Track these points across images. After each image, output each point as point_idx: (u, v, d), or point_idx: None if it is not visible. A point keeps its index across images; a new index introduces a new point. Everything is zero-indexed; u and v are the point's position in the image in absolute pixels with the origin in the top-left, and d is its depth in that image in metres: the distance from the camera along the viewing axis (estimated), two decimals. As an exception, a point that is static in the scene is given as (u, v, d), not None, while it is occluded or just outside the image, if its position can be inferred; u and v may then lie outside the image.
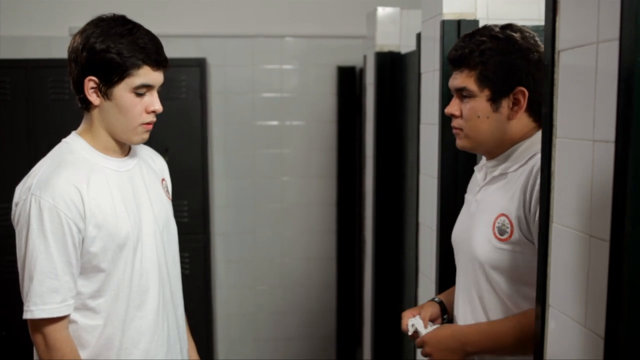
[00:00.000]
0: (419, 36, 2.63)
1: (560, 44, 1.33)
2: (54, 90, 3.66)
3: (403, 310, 3.19)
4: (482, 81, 1.79)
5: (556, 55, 1.34)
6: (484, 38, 1.80)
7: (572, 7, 1.28)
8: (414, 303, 2.74)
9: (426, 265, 2.53)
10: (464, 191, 2.26)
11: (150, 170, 2.08)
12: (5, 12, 4.04)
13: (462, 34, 2.24)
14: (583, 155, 1.24)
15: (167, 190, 2.15)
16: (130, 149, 2.02)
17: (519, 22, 1.86)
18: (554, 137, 1.36)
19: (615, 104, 1.10)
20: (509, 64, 1.77)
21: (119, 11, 1.94)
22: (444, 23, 2.25)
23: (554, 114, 1.35)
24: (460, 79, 1.83)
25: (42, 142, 3.46)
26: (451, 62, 1.87)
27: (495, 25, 1.84)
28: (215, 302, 4.20)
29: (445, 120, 2.28)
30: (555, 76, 1.34)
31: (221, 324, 4.46)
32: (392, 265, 3.40)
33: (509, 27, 1.82)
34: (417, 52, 2.65)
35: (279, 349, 4.60)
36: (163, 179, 2.15)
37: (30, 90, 3.66)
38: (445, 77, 2.25)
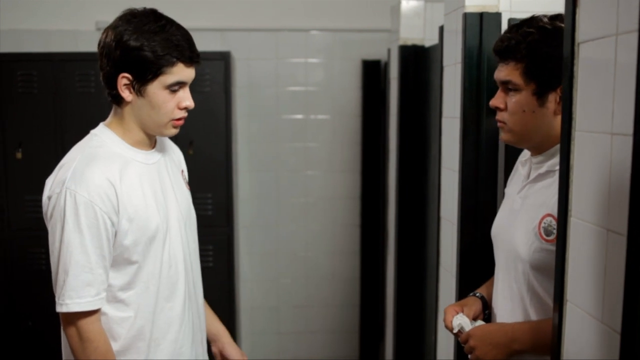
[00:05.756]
0: (441, 29, 2.61)
1: (580, 36, 1.31)
2: (80, 83, 3.70)
3: (425, 304, 3.21)
4: (528, 74, 1.74)
5: (576, 48, 1.32)
6: (531, 29, 1.74)
7: (592, -2, 1.27)
8: (435, 298, 2.73)
9: (447, 259, 2.52)
10: (486, 185, 2.24)
11: (172, 162, 2.11)
12: (33, 6, 4.09)
13: (484, 26, 2.22)
14: (601, 148, 1.22)
15: (186, 181, 2.17)
16: (156, 141, 2.04)
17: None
18: (572, 130, 1.34)
19: (634, 97, 1.09)
20: (557, 57, 1.65)
21: (145, 5, 1.93)
22: (466, 16, 2.23)
23: (573, 106, 1.34)
24: (506, 72, 1.78)
25: (68, 135, 3.51)
26: (497, 54, 1.81)
27: (545, 16, 1.77)
28: (238, 294, 4.22)
29: (467, 114, 2.27)
30: (575, 69, 1.33)
31: (244, 317, 4.48)
32: (414, 259, 3.39)
33: (559, 17, 1.74)
34: (440, 45, 2.63)
35: (302, 342, 4.62)
36: (182, 170, 2.18)
37: (56, 83, 3.70)
38: (467, 70, 2.24)
